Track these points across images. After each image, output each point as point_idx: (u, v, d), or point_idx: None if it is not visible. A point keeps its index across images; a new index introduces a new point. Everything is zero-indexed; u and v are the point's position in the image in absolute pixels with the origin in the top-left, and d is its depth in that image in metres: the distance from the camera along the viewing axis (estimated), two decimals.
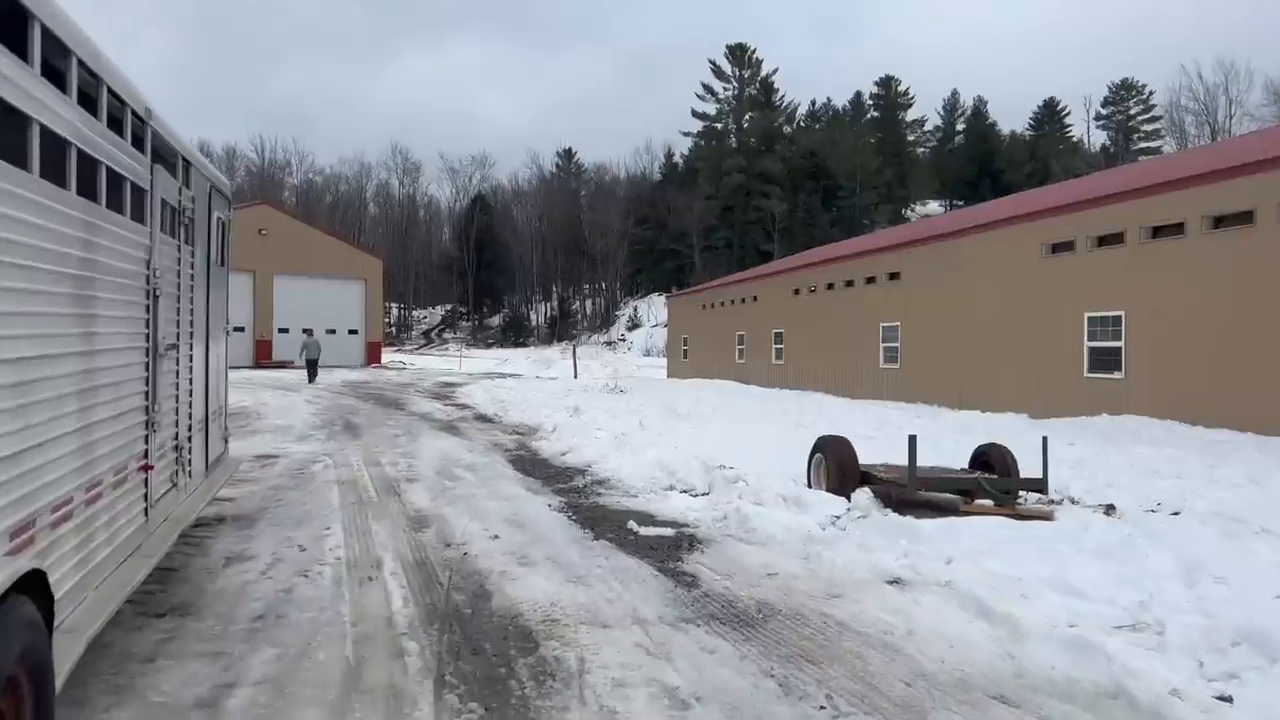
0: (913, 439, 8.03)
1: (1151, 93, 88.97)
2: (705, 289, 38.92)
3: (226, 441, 7.83)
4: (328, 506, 8.32)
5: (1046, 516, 7.70)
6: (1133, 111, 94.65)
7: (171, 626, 4.85)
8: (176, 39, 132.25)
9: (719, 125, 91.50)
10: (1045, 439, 8.51)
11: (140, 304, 4.57)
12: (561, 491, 9.46)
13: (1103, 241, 15.68)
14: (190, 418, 5.96)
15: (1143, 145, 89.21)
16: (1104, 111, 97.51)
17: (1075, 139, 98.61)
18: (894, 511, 8.13)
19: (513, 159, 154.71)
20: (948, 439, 13.67)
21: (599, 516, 8.06)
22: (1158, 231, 14.56)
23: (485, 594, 5.54)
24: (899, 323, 22.11)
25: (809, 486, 9.14)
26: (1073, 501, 8.71)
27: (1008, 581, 5.63)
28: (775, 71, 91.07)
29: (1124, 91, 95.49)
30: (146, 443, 4.72)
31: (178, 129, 5.76)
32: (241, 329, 41.37)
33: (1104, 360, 15.57)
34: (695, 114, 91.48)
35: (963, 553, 6.50)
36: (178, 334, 5.44)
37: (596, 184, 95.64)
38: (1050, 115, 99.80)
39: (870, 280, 23.70)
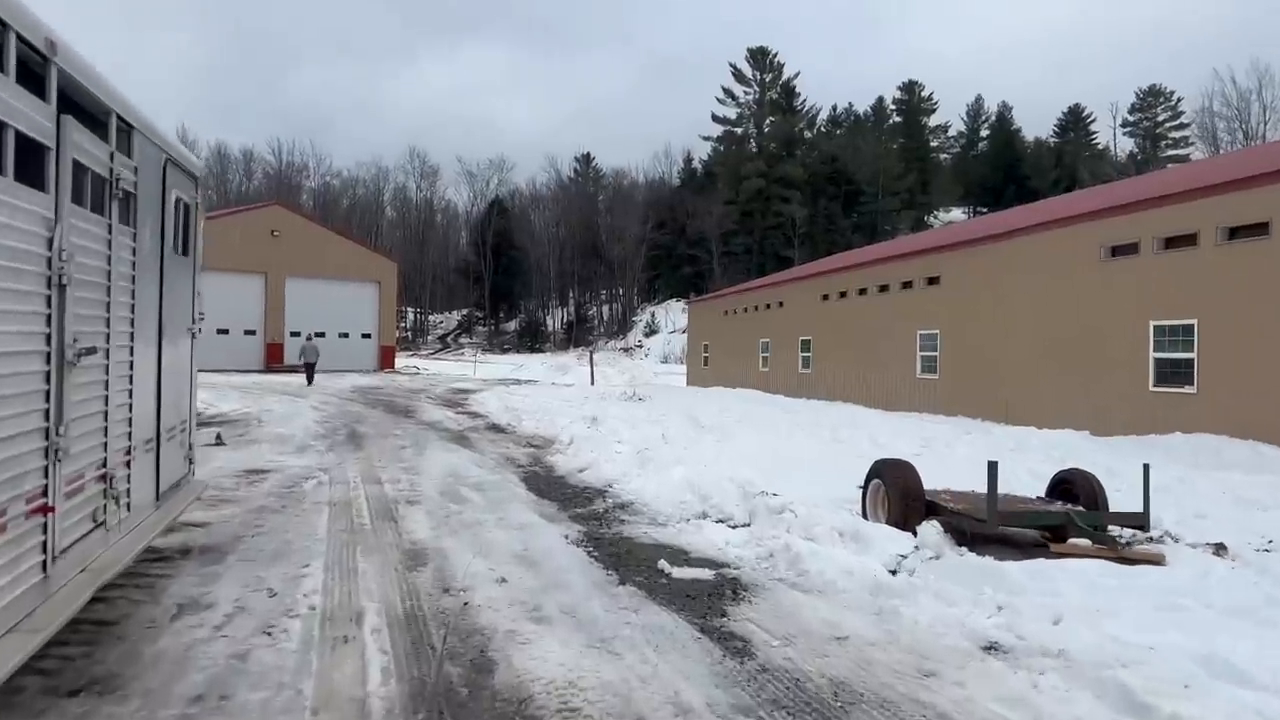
0: (993, 466, 6.85)
1: (1180, 99, 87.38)
2: (727, 294, 37.76)
3: (191, 462, 6.74)
4: (313, 536, 7.22)
5: (1156, 560, 6.49)
6: (1160, 118, 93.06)
7: (82, 712, 3.75)
8: (197, 44, 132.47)
9: (739, 129, 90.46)
10: (1146, 467, 7.30)
11: (36, 295, 3.49)
12: (580, 518, 8.33)
13: (1171, 243, 14.42)
14: (129, 438, 4.87)
15: (1170, 152, 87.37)
16: (1131, 118, 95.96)
17: (1101, 146, 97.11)
18: (969, 550, 6.95)
19: (531, 164, 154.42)
20: (1004, 459, 12.41)
21: (624, 552, 6.92)
22: (1236, 232, 13.28)
23: (487, 665, 4.40)
24: (938, 330, 20.88)
25: (864, 517, 7.97)
26: (1172, 538, 7.49)
27: (1142, 654, 4.45)
28: (797, 75, 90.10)
29: (1151, 98, 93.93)
30: (46, 476, 3.63)
31: (122, 89, 4.69)
32: (253, 332, 40.61)
33: (1173, 373, 14.29)
34: (715, 118, 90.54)
35: (1070, 610, 5.33)
36: (106, 334, 4.35)
37: (615, 189, 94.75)
38: (1075, 122, 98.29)
39: (906, 285, 22.46)
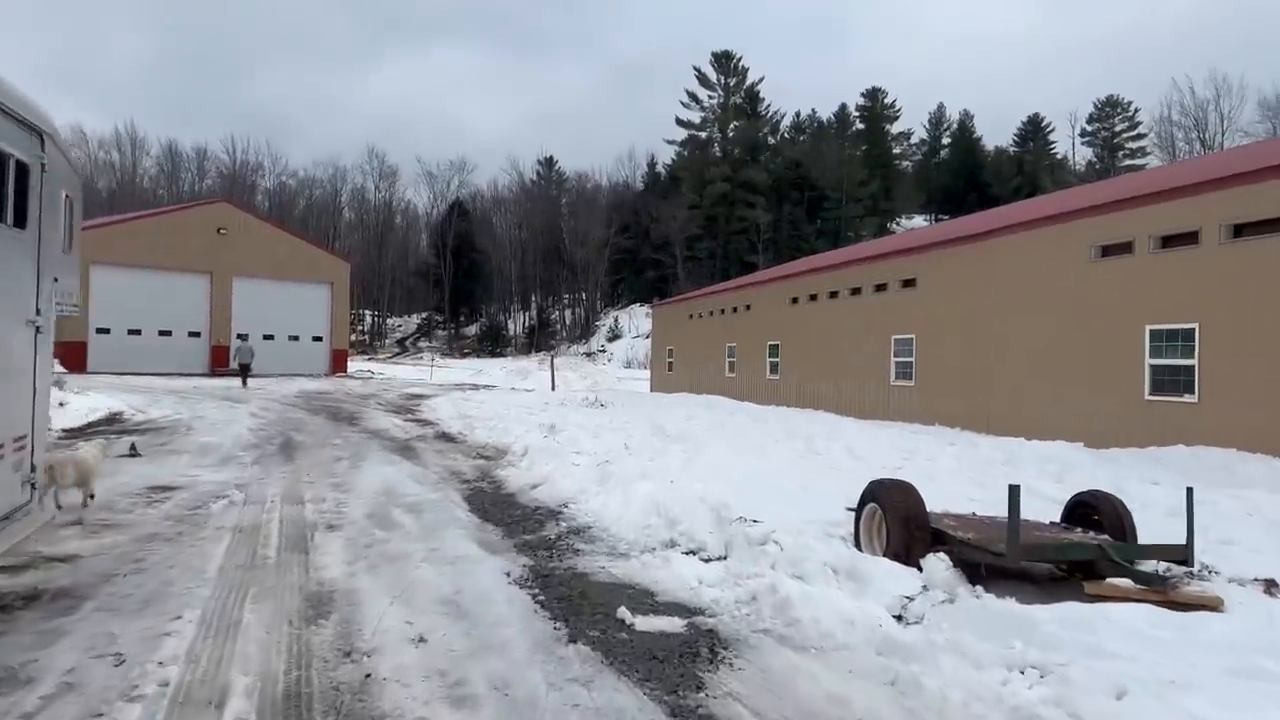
0: (1014, 490, 5.76)
1: (1137, 109, 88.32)
2: (692, 297, 36.69)
3: (32, 487, 5.45)
4: (200, 575, 5.96)
5: (1212, 605, 5.45)
6: (1118, 128, 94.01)
7: None
8: (152, 41, 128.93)
9: (703, 134, 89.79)
10: (1190, 491, 6.28)
11: None
12: (527, 548, 7.13)
13: (1170, 242, 13.55)
14: None
15: (1128, 162, 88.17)
16: (1089, 128, 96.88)
17: (1060, 155, 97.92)
18: (983, 589, 5.88)
19: (492, 165, 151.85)
20: (994, 474, 11.47)
21: (577, 594, 5.75)
22: (1242, 230, 12.42)
23: None
24: (914, 335, 19.95)
25: (858, 547, 6.87)
26: (1210, 572, 6.49)
27: None
28: (761, 80, 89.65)
29: (1109, 108, 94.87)
30: None
31: None
32: (197, 334, 38.83)
33: (1170, 381, 13.42)
34: (680, 122, 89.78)
35: (1132, 678, 4.24)
36: None
37: (578, 192, 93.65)
38: (1035, 131, 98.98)
39: (880, 288, 21.52)
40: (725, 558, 6.67)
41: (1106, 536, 6.54)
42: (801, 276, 26.07)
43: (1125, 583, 5.70)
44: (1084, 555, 6.02)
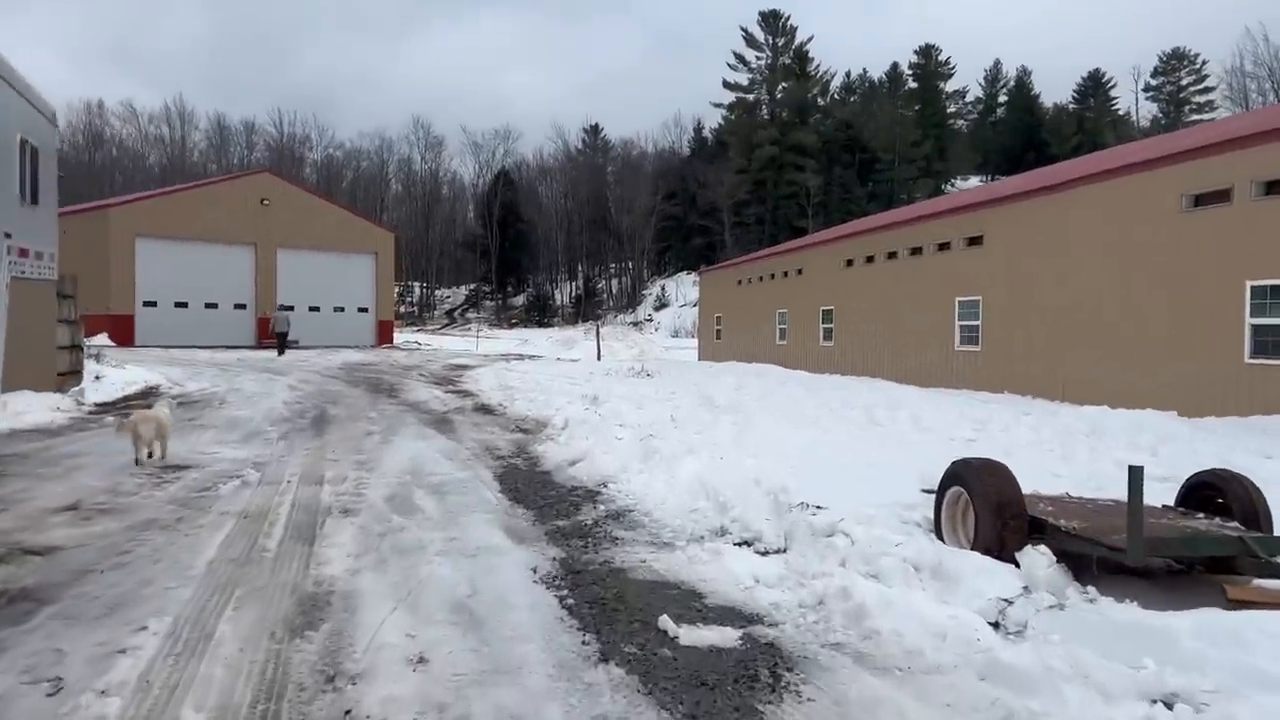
0: (1137, 473, 4.76)
1: (1205, 61, 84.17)
2: (741, 263, 35.53)
3: None
4: (184, 572, 5.24)
5: None
6: (1185, 81, 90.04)
7: None
8: (201, 16, 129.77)
9: (751, 96, 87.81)
10: None
11: None
12: (559, 536, 6.32)
13: (1275, 188, 12.18)
14: None
15: (1194, 117, 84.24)
16: (1153, 82, 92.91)
17: (1122, 111, 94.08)
18: (1096, 590, 4.93)
19: (537, 134, 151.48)
20: (1078, 446, 10.39)
21: (612, 597, 4.91)
22: None
23: None
24: (980, 297, 18.70)
25: (938, 537, 5.93)
26: None
27: None
28: (810, 40, 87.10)
29: (1175, 61, 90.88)
30: None
31: None
32: (243, 306, 38.70)
33: (1275, 342, 12.13)
34: (727, 84, 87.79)
35: None
36: None
37: (623, 159, 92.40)
38: (1096, 87, 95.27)
39: (943, 247, 20.25)
40: (785, 550, 5.78)
41: (1237, 525, 5.52)
42: (857, 237, 24.80)
43: (1276, 585, 4.70)
44: (1222, 550, 5.01)
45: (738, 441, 10.98)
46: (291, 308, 36.31)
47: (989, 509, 5.46)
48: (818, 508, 6.19)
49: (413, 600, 4.73)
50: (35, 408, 13.27)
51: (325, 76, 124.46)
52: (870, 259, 23.40)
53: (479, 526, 6.51)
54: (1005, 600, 4.80)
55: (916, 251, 21.27)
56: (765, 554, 5.75)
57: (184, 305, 37.38)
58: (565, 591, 4.98)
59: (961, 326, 19.31)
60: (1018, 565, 5.20)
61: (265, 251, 39.58)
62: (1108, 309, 15.28)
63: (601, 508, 7.37)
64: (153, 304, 36.33)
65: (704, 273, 40.65)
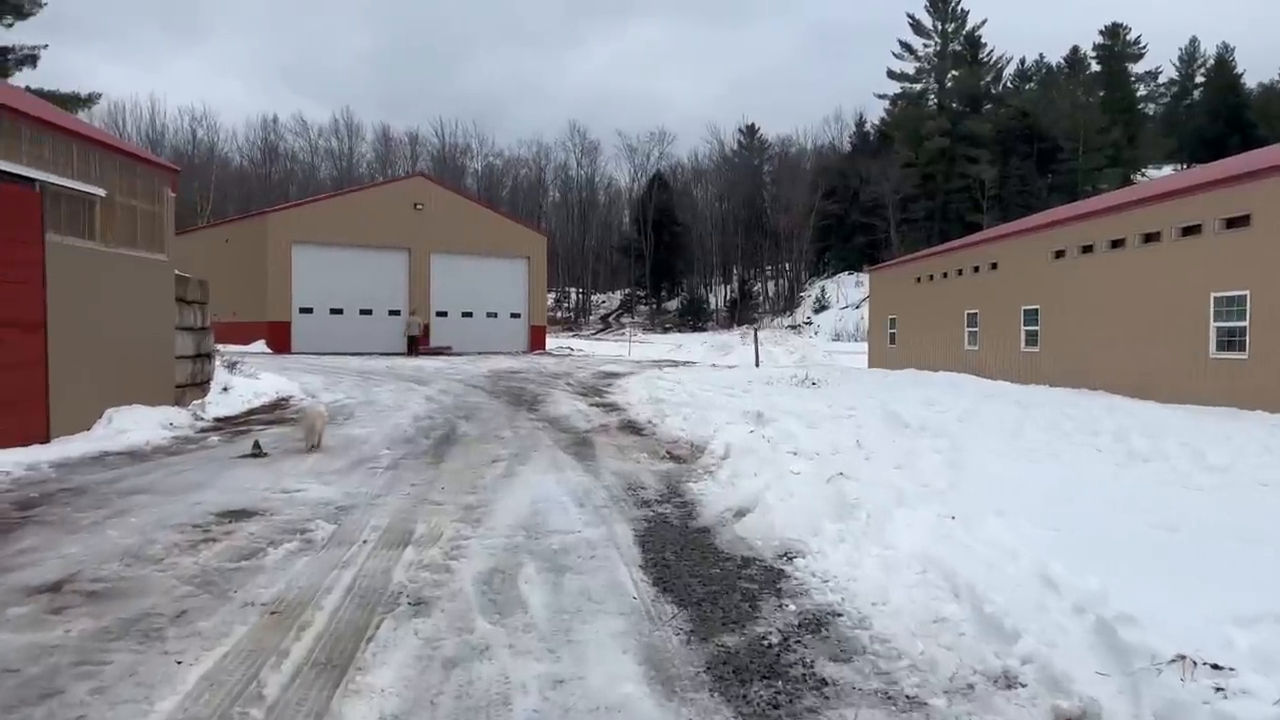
0: None
1: None
2: (918, 258, 31.97)
3: None
4: None
5: None
6: None
7: None
8: (368, 34, 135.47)
9: (918, 85, 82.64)
10: None
11: None
12: (730, 676, 3.88)
13: None
14: None
15: None
16: None
17: None
18: None
19: (692, 136, 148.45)
20: None
21: None
22: None
23: None
24: (1248, 291, 14.92)
25: None
26: None
27: None
28: (983, 24, 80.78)
29: None
30: None
31: None
32: (397, 313, 38.21)
33: None
34: (891, 74, 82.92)
35: None
36: None
37: (780, 158, 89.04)
38: None
39: (1189, 231, 16.48)
40: None
41: None
42: (1069, 224, 21.06)
43: None
44: None
45: (956, 484, 8.25)
46: (444, 314, 35.99)
47: None
48: (1169, 661, 3.44)
49: None
50: (143, 424, 12.03)
51: (485, 87, 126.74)
52: (1087, 248, 19.69)
53: (604, 650, 4.15)
54: None
55: (1152, 238, 17.51)
56: None
57: (339, 312, 37.30)
58: None
59: (1217, 329, 15.52)
60: None
61: (419, 256, 39.09)
62: None
63: (790, 605, 4.89)
64: (309, 310, 36.37)
65: (874, 270, 37.20)
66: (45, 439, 10.49)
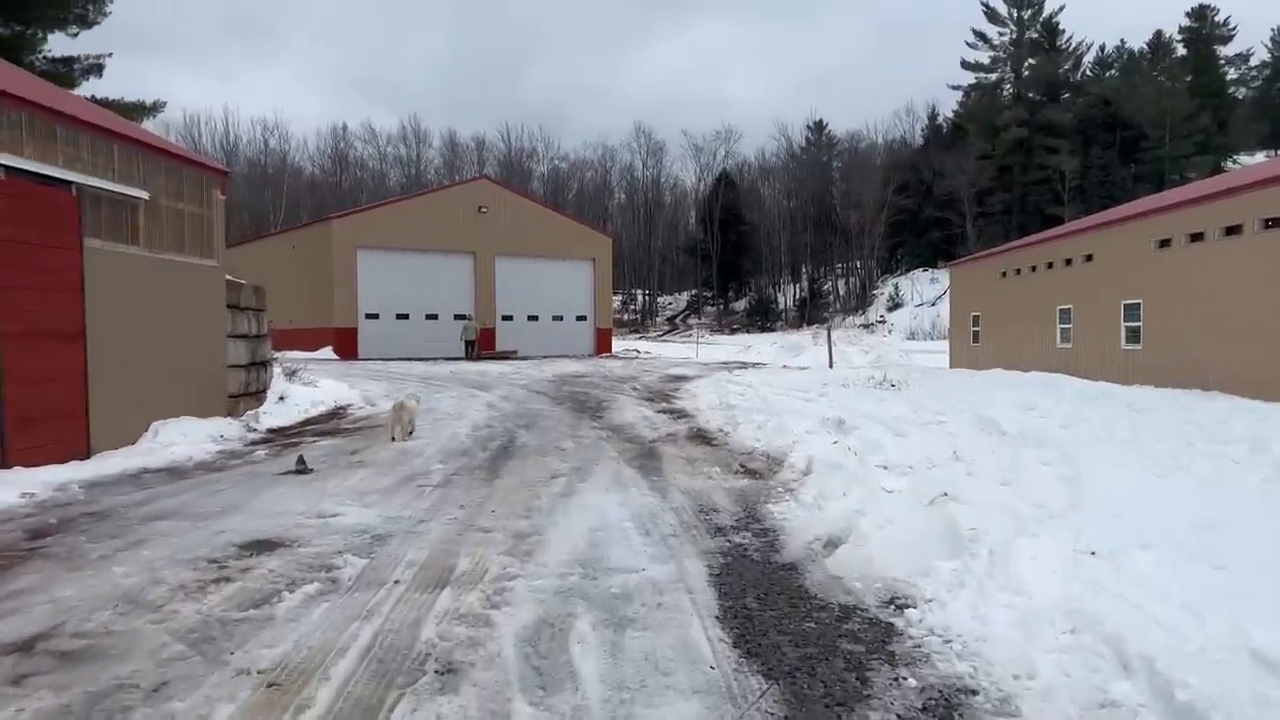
0: None
1: None
2: (1003, 251, 30.23)
3: None
4: None
5: None
6: None
7: None
8: (437, 41, 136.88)
9: (993, 75, 79.81)
10: None
11: None
12: None
13: None
14: None
15: None
16: None
17: None
18: None
19: (759, 134, 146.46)
20: None
21: None
22: None
23: None
24: None
25: None
26: None
27: None
28: (1061, 10, 77.54)
29: None
30: None
31: None
32: (463, 316, 37.80)
33: None
34: (965, 64, 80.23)
35: None
36: None
37: (850, 154, 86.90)
38: None
39: None
40: None
41: None
42: (1178, 210, 19.35)
43: None
44: None
45: (1077, 504, 7.08)
46: (509, 318, 35.82)
47: None
48: None
49: None
50: (190, 437, 11.50)
51: (550, 90, 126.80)
52: (1196, 237, 18.01)
53: None
54: None
55: (1274, 224, 15.85)
56: None
57: (405, 317, 37.09)
58: None
59: None
60: None
61: (484, 260, 38.71)
62: None
63: (909, 679, 3.88)
64: (374, 316, 36.23)
65: (955, 265, 35.47)
66: (85, 454, 10.00)
